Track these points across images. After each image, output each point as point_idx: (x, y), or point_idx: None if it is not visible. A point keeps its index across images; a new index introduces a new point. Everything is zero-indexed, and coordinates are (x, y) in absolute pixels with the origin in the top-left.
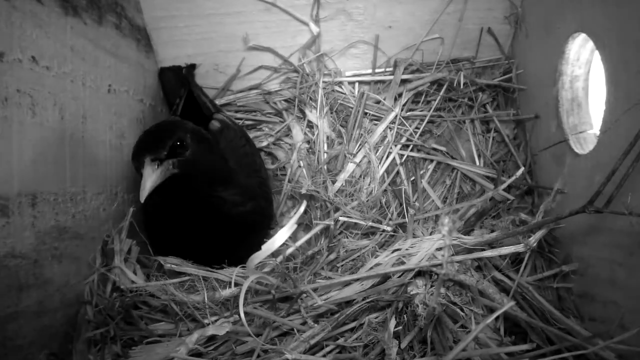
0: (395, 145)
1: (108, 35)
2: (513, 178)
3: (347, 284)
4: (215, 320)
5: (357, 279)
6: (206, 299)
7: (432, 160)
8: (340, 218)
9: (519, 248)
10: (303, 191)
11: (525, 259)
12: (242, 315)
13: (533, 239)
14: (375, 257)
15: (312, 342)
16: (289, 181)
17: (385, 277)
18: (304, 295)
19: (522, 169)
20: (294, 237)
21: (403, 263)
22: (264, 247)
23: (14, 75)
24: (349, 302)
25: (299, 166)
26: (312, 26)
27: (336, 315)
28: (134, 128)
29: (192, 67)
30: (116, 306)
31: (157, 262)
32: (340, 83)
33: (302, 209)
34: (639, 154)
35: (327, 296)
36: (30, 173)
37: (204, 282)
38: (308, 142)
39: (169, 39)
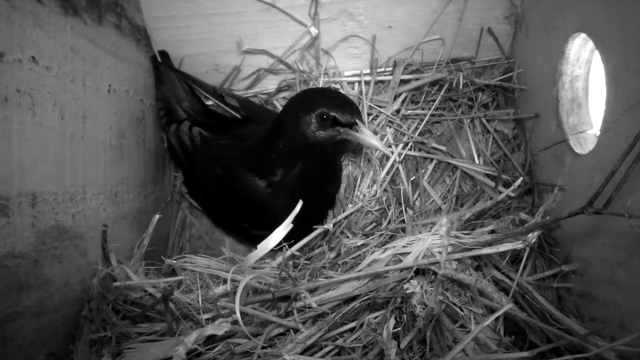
0: (396, 146)
1: (108, 35)
2: (512, 188)
3: (344, 281)
4: (211, 319)
5: (356, 277)
6: (200, 296)
7: (432, 160)
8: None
9: (518, 245)
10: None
11: (525, 256)
12: (239, 315)
13: (532, 236)
14: (372, 253)
15: (309, 342)
16: None
17: (383, 275)
18: (302, 294)
19: (518, 181)
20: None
21: (400, 260)
22: (259, 246)
23: (14, 75)
24: (346, 302)
25: None
26: (311, 28)
27: (332, 315)
28: (134, 128)
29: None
30: (116, 301)
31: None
32: (339, 83)
33: (298, 208)
34: (639, 155)
35: (326, 295)
36: (30, 173)
37: (200, 280)
38: None
39: (169, 39)
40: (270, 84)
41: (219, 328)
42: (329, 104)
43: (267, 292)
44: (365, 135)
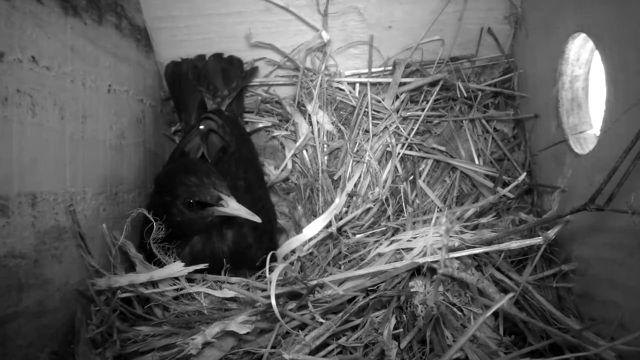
0: (402, 147)
1: (108, 35)
2: (511, 186)
3: (359, 277)
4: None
5: (370, 274)
6: (203, 301)
7: (431, 160)
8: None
9: (536, 241)
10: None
11: (539, 254)
12: (274, 302)
13: (552, 232)
14: (376, 248)
15: (317, 343)
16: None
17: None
18: (315, 290)
19: (521, 177)
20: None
21: (402, 258)
22: (305, 230)
23: (14, 75)
24: (350, 301)
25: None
26: (323, 33)
27: (340, 314)
28: (134, 128)
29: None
30: (114, 303)
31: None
32: (340, 82)
33: (341, 199)
34: None
35: (335, 290)
36: (30, 173)
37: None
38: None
39: (169, 39)
40: (271, 82)
41: (242, 327)
42: (192, 191)
43: (294, 284)
44: (232, 208)
